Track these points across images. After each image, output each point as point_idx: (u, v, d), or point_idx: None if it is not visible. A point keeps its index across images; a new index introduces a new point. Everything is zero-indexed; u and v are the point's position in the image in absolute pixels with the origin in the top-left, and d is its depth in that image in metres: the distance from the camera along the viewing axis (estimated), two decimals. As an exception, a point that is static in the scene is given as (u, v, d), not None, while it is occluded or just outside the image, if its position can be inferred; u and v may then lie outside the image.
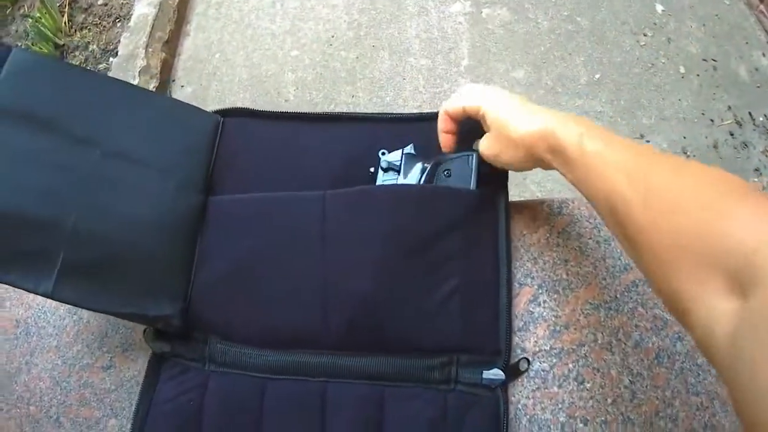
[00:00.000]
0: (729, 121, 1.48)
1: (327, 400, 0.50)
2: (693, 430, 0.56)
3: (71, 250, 0.48)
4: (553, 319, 0.58)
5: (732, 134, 1.47)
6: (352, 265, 0.51)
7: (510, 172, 0.55)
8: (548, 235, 0.61)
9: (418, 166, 0.55)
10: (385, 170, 0.56)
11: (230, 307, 0.53)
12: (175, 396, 0.52)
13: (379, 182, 0.56)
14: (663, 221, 0.35)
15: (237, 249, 0.54)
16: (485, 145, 0.49)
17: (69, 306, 0.67)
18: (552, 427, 0.54)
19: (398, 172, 0.55)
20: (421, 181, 0.54)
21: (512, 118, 0.46)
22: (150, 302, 0.51)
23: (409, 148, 0.56)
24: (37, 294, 0.48)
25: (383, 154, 0.56)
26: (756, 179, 1.40)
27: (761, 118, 1.47)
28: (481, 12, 1.70)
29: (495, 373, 0.51)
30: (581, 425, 0.55)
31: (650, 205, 0.36)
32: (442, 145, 0.53)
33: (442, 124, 0.53)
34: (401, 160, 0.55)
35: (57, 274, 0.47)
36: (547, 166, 0.45)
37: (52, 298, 0.48)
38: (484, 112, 0.48)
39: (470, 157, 0.53)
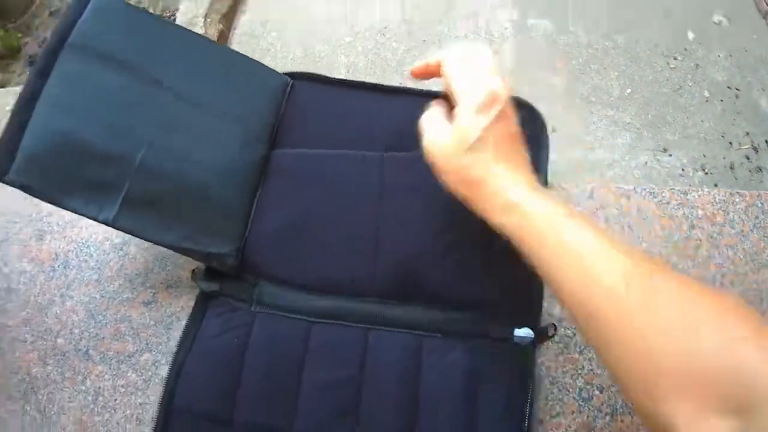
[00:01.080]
0: (746, 146, 1.40)
1: (368, 346, 0.47)
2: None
3: (137, 182, 0.46)
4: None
5: (748, 158, 1.39)
6: (404, 219, 0.50)
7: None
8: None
9: None
10: None
11: (284, 252, 0.50)
12: (220, 333, 0.48)
13: None
14: (639, 341, 0.29)
15: (297, 199, 0.52)
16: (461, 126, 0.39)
17: (115, 242, 0.57)
18: (570, 390, 0.51)
19: None
20: None
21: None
22: (208, 239, 0.47)
23: None
24: (97, 221, 0.45)
25: None
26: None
27: (777, 145, 1.40)
28: (527, 21, 1.61)
29: (525, 332, 0.49)
30: (597, 392, 0.51)
31: (626, 317, 0.30)
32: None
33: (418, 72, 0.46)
34: None
35: (120, 203, 0.45)
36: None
37: (113, 226, 0.45)
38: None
39: None
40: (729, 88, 1.48)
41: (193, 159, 0.49)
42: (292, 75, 0.59)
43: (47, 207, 0.60)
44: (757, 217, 0.59)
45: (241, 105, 0.53)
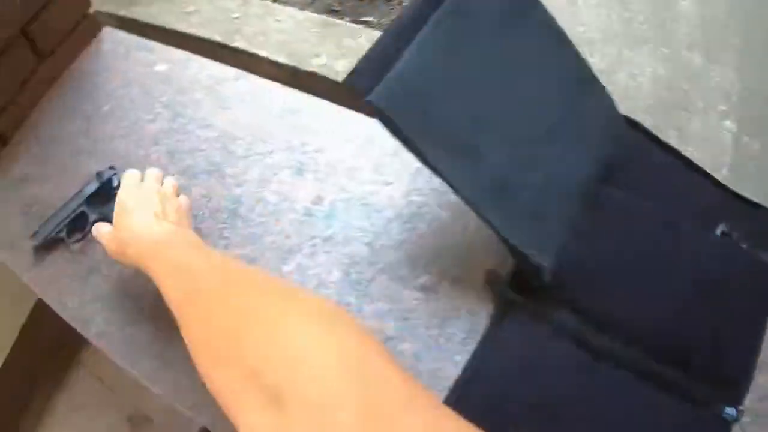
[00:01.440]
0: None
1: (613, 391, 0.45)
2: None
3: (501, 165, 0.44)
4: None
5: None
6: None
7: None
8: None
9: None
10: None
11: (592, 285, 0.48)
12: (519, 342, 0.46)
13: None
14: (201, 326, 0.32)
15: (615, 243, 0.50)
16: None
17: (403, 213, 0.54)
18: None
19: None
20: None
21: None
22: (534, 246, 0.45)
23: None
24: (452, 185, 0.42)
25: None
26: None
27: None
28: None
29: (732, 411, 0.46)
30: None
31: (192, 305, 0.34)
32: None
33: None
34: None
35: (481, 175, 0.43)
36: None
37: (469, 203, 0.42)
38: None
39: None
40: None
41: (551, 166, 0.47)
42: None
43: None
44: None
45: (585, 123, 0.51)
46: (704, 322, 0.47)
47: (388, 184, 0.53)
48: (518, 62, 0.47)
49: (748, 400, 0.44)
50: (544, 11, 0.49)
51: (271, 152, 0.57)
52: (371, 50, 0.42)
